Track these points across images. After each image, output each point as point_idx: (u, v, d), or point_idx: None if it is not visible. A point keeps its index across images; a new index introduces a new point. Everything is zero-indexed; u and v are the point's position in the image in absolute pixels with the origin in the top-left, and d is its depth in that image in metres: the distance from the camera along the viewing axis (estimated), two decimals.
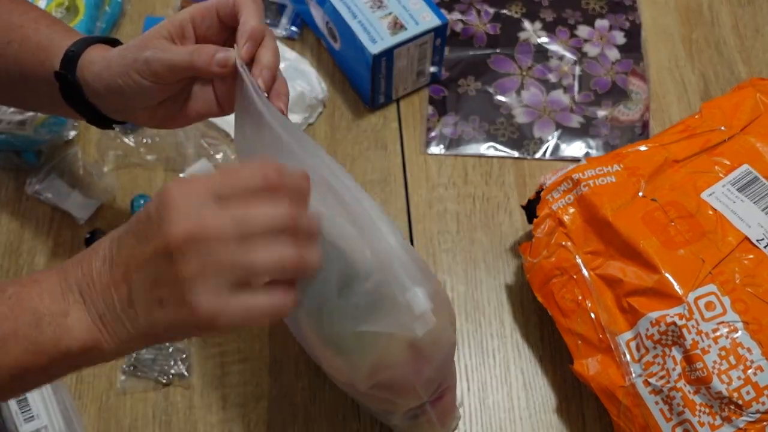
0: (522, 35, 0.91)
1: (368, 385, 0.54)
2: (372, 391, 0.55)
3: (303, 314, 0.54)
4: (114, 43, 0.63)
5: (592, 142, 0.84)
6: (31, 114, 0.78)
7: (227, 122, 0.82)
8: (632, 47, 0.91)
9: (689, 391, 0.59)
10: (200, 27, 0.58)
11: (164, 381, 0.70)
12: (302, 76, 0.84)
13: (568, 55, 0.90)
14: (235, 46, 0.56)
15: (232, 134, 0.82)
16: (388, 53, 0.80)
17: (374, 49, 0.79)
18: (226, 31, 0.59)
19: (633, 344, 0.62)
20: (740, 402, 0.57)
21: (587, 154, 0.84)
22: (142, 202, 0.78)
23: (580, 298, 0.65)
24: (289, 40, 0.90)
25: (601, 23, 0.92)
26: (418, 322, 0.50)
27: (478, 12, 0.93)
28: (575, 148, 0.84)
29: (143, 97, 0.58)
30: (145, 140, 0.81)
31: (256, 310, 0.44)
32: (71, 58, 0.60)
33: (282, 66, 0.84)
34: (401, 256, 0.50)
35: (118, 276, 0.45)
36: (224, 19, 0.58)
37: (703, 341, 0.59)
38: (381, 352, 0.52)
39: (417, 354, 0.53)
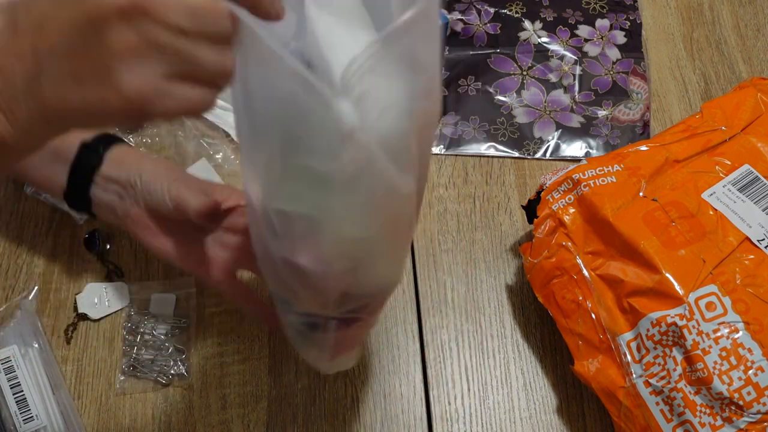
0: (522, 35, 0.91)
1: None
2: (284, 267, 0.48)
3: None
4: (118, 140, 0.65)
5: (592, 142, 0.84)
6: None
7: (227, 122, 0.82)
8: (633, 47, 0.91)
9: (690, 392, 0.59)
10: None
11: (164, 381, 0.70)
12: None
13: (569, 54, 0.90)
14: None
15: (233, 134, 0.82)
16: None
17: None
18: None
19: (634, 345, 0.62)
20: (741, 402, 0.57)
21: (588, 154, 0.84)
22: None
23: (580, 298, 0.65)
24: None
25: (602, 23, 0.92)
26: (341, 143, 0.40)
27: (479, 12, 0.93)
28: (576, 148, 0.84)
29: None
30: (145, 140, 0.81)
31: (190, 103, 0.40)
32: (94, 149, 0.62)
33: None
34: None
35: (25, 44, 0.38)
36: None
37: (703, 342, 0.59)
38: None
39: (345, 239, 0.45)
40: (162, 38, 0.38)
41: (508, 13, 0.93)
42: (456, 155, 0.83)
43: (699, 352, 0.58)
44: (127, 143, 0.67)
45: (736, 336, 0.59)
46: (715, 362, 0.58)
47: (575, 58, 0.89)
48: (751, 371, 0.58)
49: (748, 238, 0.63)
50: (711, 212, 0.64)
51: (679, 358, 0.59)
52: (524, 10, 0.93)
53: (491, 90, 0.87)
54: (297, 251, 0.47)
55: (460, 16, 0.92)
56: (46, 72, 0.39)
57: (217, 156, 0.81)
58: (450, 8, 0.92)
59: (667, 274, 0.61)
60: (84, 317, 0.72)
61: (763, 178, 0.67)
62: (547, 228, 0.68)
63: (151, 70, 0.39)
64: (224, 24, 0.40)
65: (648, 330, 0.61)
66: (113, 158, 0.64)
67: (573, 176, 0.68)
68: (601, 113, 0.86)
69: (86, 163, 0.63)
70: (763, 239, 0.63)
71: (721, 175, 0.67)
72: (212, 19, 0.40)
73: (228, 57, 0.41)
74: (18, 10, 0.39)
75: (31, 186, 0.76)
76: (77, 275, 0.74)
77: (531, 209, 0.72)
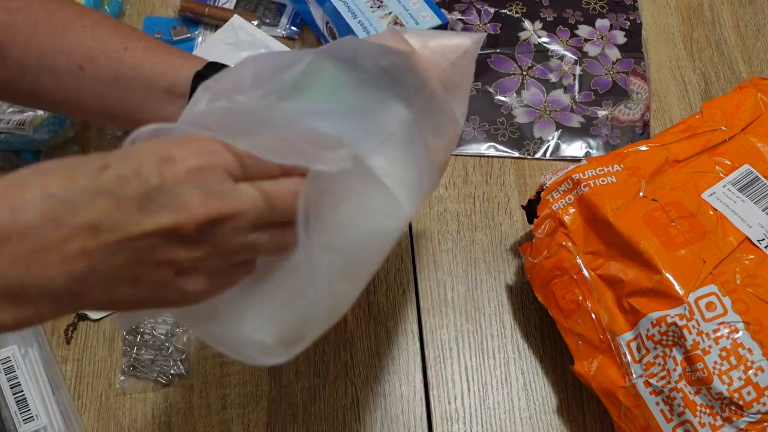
0: (522, 35, 0.91)
1: None
2: None
3: None
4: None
5: (592, 142, 0.84)
6: (30, 114, 0.78)
7: None
8: (633, 47, 0.91)
9: (690, 392, 0.59)
10: None
11: (164, 381, 0.70)
12: None
13: (569, 54, 0.90)
14: None
15: None
16: None
17: None
18: None
19: (634, 345, 0.62)
20: (741, 402, 0.57)
21: (588, 154, 0.84)
22: None
23: (580, 298, 0.65)
24: (289, 40, 0.90)
25: (602, 23, 0.92)
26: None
27: (479, 12, 0.92)
28: (575, 148, 0.84)
29: None
30: None
31: (229, 285, 0.40)
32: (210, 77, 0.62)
33: None
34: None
35: (72, 247, 0.34)
36: None
37: (703, 342, 0.59)
38: None
39: None
40: (234, 243, 0.38)
41: (508, 13, 0.93)
42: (456, 155, 0.83)
43: (699, 352, 0.58)
44: None
45: (736, 336, 0.59)
46: (715, 362, 0.58)
47: (575, 58, 0.89)
48: (751, 371, 0.58)
49: (748, 238, 0.63)
50: (711, 212, 0.64)
51: (679, 358, 0.59)
52: (524, 10, 0.93)
53: (491, 90, 0.87)
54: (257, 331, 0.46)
55: (460, 16, 0.92)
56: (98, 275, 0.35)
57: None
58: (450, 8, 0.92)
59: (667, 274, 0.61)
60: (84, 317, 0.72)
61: (763, 178, 0.67)
62: (547, 228, 0.68)
63: (215, 269, 0.38)
64: (294, 205, 0.39)
65: (648, 330, 0.61)
66: None
67: (573, 176, 0.68)
68: (601, 113, 0.86)
69: None
70: (763, 239, 0.63)
71: (721, 175, 0.67)
72: (286, 205, 0.40)
73: (291, 234, 0.40)
74: (56, 203, 0.34)
75: None
76: None
77: (531, 209, 0.72)
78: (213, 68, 0.64)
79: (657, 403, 0.60)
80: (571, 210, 0.68)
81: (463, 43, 0.59)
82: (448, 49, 0.58)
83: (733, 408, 0.57)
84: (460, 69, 0.59)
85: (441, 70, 0.56)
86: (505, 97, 0.87)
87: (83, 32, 0.65)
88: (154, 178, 0.35)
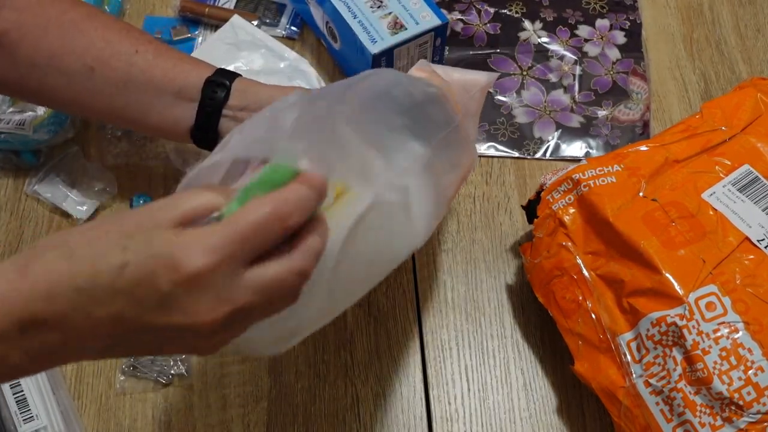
0: (522, 35, 0.91)
1: None
2: None
3: None
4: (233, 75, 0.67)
5: (592, 142, 0.84)
6: (30, 114, 0.78)
7: None
8: (633, 47, 0.91)
9: (690, 392, 0.59)
10: None
11: (164, 381, 0.70)
12: (302, 76, 0.84)
13: (569, 54, 0.90)
14: None
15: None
16: (388, 53, 0.79)
17: (374, 48, 0.78)
18: None
19: (634, 345, 0.62)
20: (741, 402, 0.57)
21: (588, 154, 0.84)
22: (141, 201, 0.78)
23: (580, 298, 0.65)
24: (289, 40, 0.90)
25: (602, 23, 0.92)
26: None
27: (479, 12, 0.93)
28: (575, 148, 0.84)
29: None
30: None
31: (243, 331, 0.44)
32: (220, 83, 0.65)
33: (281, 66, 0.85)
34: None
35: (100, 331, 0.39)
36: None
37: (703, 342, 0.59)
38: None
39: None
40: (249, 322, 0.41)
41: (508, 13, 0.93)
42: None
43: (699, 352, 0.58)
44: (245, 77, 0.69)
45: (736, 336, 0.59)
46: (715, 362, 0.58)
47: (575, 58, 0.89)
48: (751, 371, 0.58)
49: (747, 238, 0.63)
50: (711, 212, 0.64)
51: (679, 358, 0.59)
52: (524, 10, 0.93)
53: (491, 90, 0.87)
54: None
55: (460, 16, 0.92)
56: (123, 350, 0.41)
57: None
58: (450, 8, 0.92)
59: (667, 274, 0.61)
60: None
61: (762, 178, 0.67)
62: (547, 228, 0.68)
63: (232, 337, 0.42)
64: (298, 288, 0.43)
65: (648, 330, 0.61)
66: (238, 89, 0.66)
67: (573, 176, 0.68)
68: (601, 113, 0.86)
69: (215, 97, 0.65)
70: (763, 239, 0.63)
71: (720, 175, 0.67)
72: (295, 284, 0.42)
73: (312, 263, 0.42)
74: (84, 299, 0.38)
75: (145, 133, 0.76)
76: None
77: (531, 209, 0.72)
78: (222, 74, 0.66)
79: (657, 403, 0.60)
80: (571, 210, 0.68)
81: (481, 79, 0.67)
82: (468, 83, 0.65)
83: (733, 408, 0.57)
84: (477, 102, 0.67)
85: (463, 102, 0.63)
86: (505, 97, 0.87)
87: (94, 34, 0.66)
88: (165, 285, 0.38)
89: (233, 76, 0.67)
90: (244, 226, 0.39)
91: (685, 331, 0.59)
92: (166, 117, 0.67)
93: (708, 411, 0.58)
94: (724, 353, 0.58)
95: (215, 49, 0.84)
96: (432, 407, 0.70)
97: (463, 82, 0.65)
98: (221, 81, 0.66)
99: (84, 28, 0.66)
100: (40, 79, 0.66)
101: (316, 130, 0.48)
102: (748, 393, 0.57)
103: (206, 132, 0.66)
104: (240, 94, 0.65)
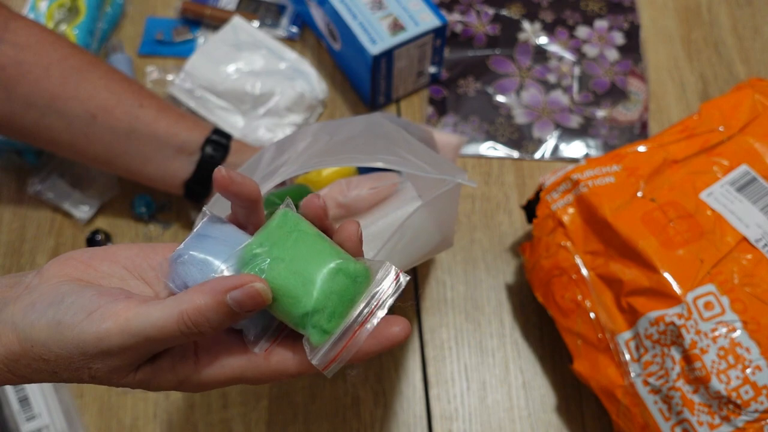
0: (521, 36, 0.92)
1: None
2: None
3: None
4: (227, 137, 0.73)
5: (591, 143, 0.85)
6: None
7: (229, 122, 0.82)
8: (631, 48, 0.91)
9: (688, 391, 0.59)
10: None
11: None
12: (302, 76, 0.84)
13: (568, 55, 0.90)
14: None
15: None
16: (388, 54, 0.80)
17: (374, 49, 0.79)
18: None
19: (632, 344, 0.62)
20: (739, 401, 0.57)
21: (586, 154, 0.84)
22: (142, 202, 0.78)
23: (579, 297, 0.65)
24: (289, 40, 0.90)
25: (600, 24, 0.93)
26: None
27: (478, 13, 0.93)
28: (574, 149, 0.84)
29: None
30: None
31: None
32: (217, 141, 0.71)
33: (282, 66, 0.85)
34: None
35: (83, 376, 0.43)
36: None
37: (701, 341, 0.59)
38: None
39: None
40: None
41: (507, 14, 0.93)
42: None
43: (697, 351, 0.59)
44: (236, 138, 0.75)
45: (734, 335, 0.59)
46: (713, 361, 0.58)
47: (574, 59, 0.90)
48: (748, 370, 0.58)
49: (745, 238, 0.63)
50: (709, 212, 0.65)
51: (678, 357, 0.60)
52: (523, 12, 0.93)
53: (490, 91, 0.88)
54: None
55: (459, 17, 0.92)
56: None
57: None
58: (449, 9, 0.93)
59: (665, 274, 0.61)
60: None
61: (760, 179, 0.67)
62: (546, 228, 0.68)
63: None
64: None
65: (646, 329, 0.61)
66: (234, 149, 0.72)
67: (572, 176, 0.68)
68: (600, 114, 0.86)
69: (215, 153, 0.71)
70: (761, 239, 0.63)
71: (718, 175, 0.67)
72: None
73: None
74: (128, 340, 0.40)
75: (136, 180, 0.75)
76: None
77: (530, 209, 0.72)
78: (220, 133, 0.72)
79: (655, 402, 0.60)
80: (570, 210, 0.68)
81: (458, 140, 0.80)
82: (452, 141, 0.79)
83: (731, 407, 0.58)
84: (455, 156, 0.79)
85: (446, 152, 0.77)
86: (504, 97, 0.87)
87: (98, 83, 0.69)
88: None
89: (229, 136, 0.73)
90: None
91: (683, 330, 0.59)
92: (165, 168, 0.71)
93: (706, 410, 0.58)
94: (722, 352, 0.58)
95: (216, 49, 0.85)
96: (431, 406, 0.70)
97: (447, 139, 0.79)
98: (221, 141, 0.71)
99: (88, 76, 0.69)
100: (37, 120, 0.68)
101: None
102: (746, 392, 0.58)
103: (203, 185, 0.71)
104: (236, 153, 0.72)
